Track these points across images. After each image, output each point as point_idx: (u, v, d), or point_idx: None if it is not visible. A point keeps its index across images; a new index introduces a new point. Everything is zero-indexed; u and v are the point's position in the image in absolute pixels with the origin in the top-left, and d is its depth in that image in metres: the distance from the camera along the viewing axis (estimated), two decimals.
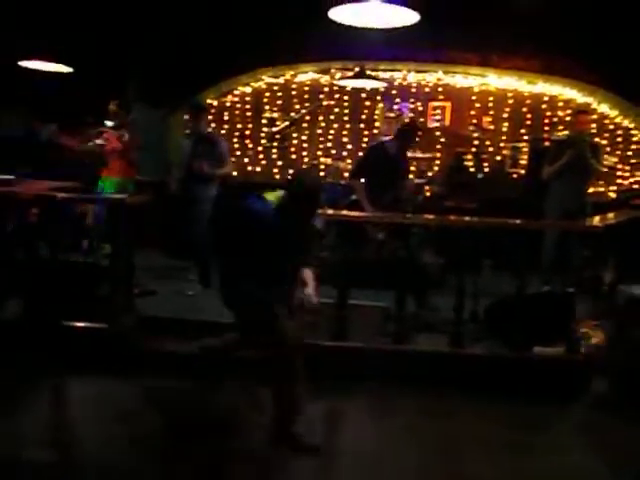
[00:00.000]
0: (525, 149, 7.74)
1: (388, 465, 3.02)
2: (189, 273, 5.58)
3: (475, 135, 7.80)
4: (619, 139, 7.73)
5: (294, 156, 8.02)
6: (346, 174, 7.52)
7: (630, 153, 7.73)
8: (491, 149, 7.86)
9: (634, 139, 7.72)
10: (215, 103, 8.04)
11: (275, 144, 7.89)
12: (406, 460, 3.08)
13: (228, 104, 8.17)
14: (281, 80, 8.07)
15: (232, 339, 3.41)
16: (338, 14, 3.67)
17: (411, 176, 6.69)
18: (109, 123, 6.13)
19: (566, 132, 7.22)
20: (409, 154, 5.55)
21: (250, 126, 8.16)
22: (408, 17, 3.60)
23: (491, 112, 7.84)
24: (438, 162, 7.81)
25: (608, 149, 7.53)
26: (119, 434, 3.19)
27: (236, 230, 3.11)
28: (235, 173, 7.41)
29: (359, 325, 4.02)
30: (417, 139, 5.16)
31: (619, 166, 7.72)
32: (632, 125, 7.67)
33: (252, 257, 3.04)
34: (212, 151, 5.29)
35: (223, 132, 7.92)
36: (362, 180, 5.13)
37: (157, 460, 3.00)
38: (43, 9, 5.96)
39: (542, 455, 3.20)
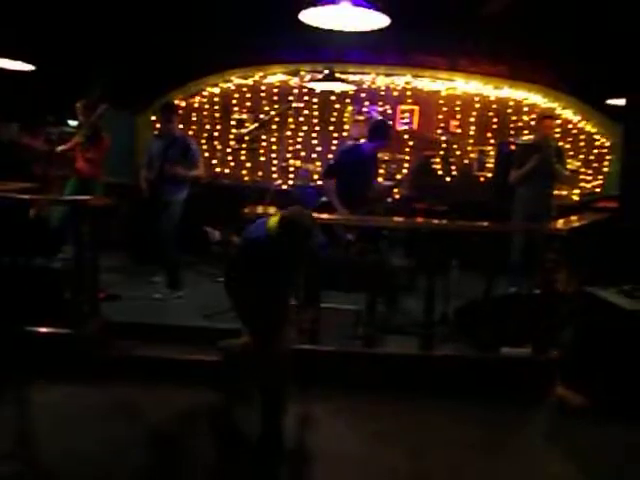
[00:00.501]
0: (492, 153, 7.86)
1: (360, 468, 3.02)
2: (154, 276, 5.49)
3: (443, 138, 7.90)
4: (582, 144, 7.92)
5: (263, 158, 7.97)
6: (315, 176, 7.52)
7: (592, 157, 7.93)
8: (458, 152, 7.96)
9: (596, 144, 7.91)
10: (183, 104, 7.93)
11: (244, 146, 7.83)
12: (378, 462, 3.08)
13: (196, 105, 8.07)
14: (250, 81, 8.01)
15: (247, 343, 3.41)
16: (308, 16, 3.65)
17: (380, 179, 6.72)
18: (72, 123, 5.98)
19: (531, 136, 7.36)
20: (379, 156, 5.55)
21: (219, 127, 8.08)
22: (378, 20, 3.60)
23: (458, 116, 7.94)
24: (407, 165, 7.87)
25: (571, 153, 7.72)
26: (84, 440, 3.12)
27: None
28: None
29: (331, 328, 4.01)
30: (389, 138, 5.10)
31: (582, 170, 7.91)
32: (594, 130, 7.87)
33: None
34: (185, 154, 5.21)
35: (191, 133, 7.81)
36: (332, 181, 5.09)
37: (124, 466, 2.93)
38: (3, 4, 5.77)
39: (512, 456, 3.25)
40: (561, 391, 3.95)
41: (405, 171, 7.81)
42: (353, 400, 3.71)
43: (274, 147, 8.01)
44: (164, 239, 5.17)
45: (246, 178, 7.99)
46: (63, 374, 3.71)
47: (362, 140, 5.06)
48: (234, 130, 7.94)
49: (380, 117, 7.74)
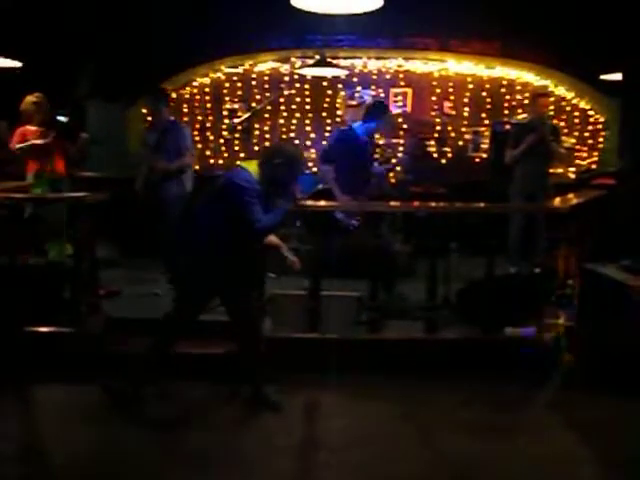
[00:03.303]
0: (486, 133, 7.83)
1: (371, 455, 3.01)
2: (149, 272, 5.43)
3: (437, 120, 7.85)
4: (576, 120, 7.89)
5: (257, 147, 7.91)
6: (310, 163, 7.46)
7: (587, 134, 7.90)
8: (453, 134, 7.93)
9: (591, 120, 7.89)
10: (174, 95, 7.85)
11: (237, 135, 7.77)
12: (388, 448, 3.08)
13: (187, 96, 8.00)
14: (240, 70, 7.94)
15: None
16: (300, 0, 3.59)
17: (375, 164, 6.67)
18: (62, 119, 5.90)
19: (525, 115, 7.34)
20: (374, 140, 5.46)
21: (210, 118, 8.01)
22: (371, 2, 3.54)
23: (452, 97, 7.90)
24: (401, 148, 7.83)
25: (566, 130, 7.69)
26: (88, 440, 3.10)
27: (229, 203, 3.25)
28: (197, 167, 7.25)
29: (334, 316, 4.00)
30: (385, 117, 4.97)
31: (577, 147, 7.89)
32: (588, 106, 7.84)
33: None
34: (175, 142, 5.06)
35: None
36: (331, 166, 4.99)
37: (131, 465, 2.91)
38: None
39: (521, 434, 3.25)
40: (565, 364, 3.95)
41: (400, 155, 7.77)
42: (360, 387, 3.70)
43: (267, 135, 7.95)
44: (166, 235, 5.01)
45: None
46: (65, 373, 3.68)
47: (356, 123, 4.96)
48: (226, 120, 7.87)
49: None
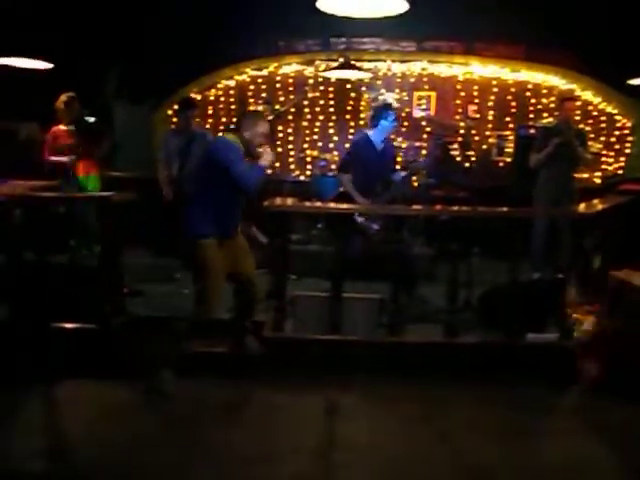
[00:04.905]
0: (511, 137, 7.76)
1: (391, 456, 3.02)
2: (175, 272, 5.50)
3: (461, 124, 7.82)
4: (603, 125, 7.79)
5: (280, 149, 7.96)
6: (333, 166, 7.48)
7: (614, 139, 7.79)
8: (477, 138, 7.88)
9: (617, 125, 7.78)
10: (199, 97, 7.94)
11: None
12: (408, 451, 3.08)
13: (212, 98, 8.08)
14: (265, 72, 8.00)
15: None
16: (325, 4, 3.61)
17: (397, 167, 6.66)
18: (90, 119, 6.01)
19: (551, 119, 7.27)
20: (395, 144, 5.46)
21: (235, 120, 8.07)
22: (396, 6, 3.55)
23: (476, 101, 7.86)
24: (424, 152, 7.81)
25: (592, 135, 7.59)
26: (112, 437, 3.13)
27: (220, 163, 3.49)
28: None
29: (355, 318, 4.01)
30: (389, 118, 4.91)
31: (604, 152, 7.78)
32: (615, 111, 7.73)
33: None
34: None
35: (207, 126, 7.83)
36: (349, 174, 4.99)
37: (155, 463, 2.95)
38: (20, 4, 5.81)
39: (543, 439, 3.23)
40: (589, 371, 3.90)
41: (422, 159, 7.75)
42: (381, 389, 3.70)
43: (291, 138, 8.00)
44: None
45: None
46: (89, 370, 3.73)
47: (370, 131, 4.95)
48: None
49: (396, 105, 7.70)
